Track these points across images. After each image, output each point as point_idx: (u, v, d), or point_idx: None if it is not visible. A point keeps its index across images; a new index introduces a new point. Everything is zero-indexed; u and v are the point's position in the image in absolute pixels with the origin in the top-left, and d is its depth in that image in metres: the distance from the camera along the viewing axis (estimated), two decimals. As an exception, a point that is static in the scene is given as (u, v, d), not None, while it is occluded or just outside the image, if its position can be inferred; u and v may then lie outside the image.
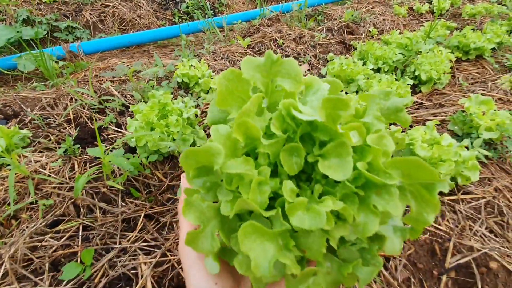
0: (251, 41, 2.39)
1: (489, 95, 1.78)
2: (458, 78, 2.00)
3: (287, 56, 2.23)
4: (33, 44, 2.51)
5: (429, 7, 3.21)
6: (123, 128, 1.48)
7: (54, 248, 0.94)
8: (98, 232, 1.00)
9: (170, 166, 1.32)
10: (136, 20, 3.07)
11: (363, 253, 0.35)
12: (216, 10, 3.52)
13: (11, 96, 1.66)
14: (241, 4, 3.69)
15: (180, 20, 3.26)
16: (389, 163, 0.32)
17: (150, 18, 3.14)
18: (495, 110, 1.36)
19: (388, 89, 0.40)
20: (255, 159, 0.35)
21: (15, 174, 1.15)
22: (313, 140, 0.35)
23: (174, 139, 1.27)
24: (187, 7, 3.28)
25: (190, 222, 0.35)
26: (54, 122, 1.49)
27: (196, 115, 1.39)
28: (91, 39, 2.79)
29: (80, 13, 2.92)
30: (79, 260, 0.90)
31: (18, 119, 1.51)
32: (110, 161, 1.09)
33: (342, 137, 0.32)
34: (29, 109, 1.54)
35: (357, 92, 1.71)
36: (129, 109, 1.55)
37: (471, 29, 2.35)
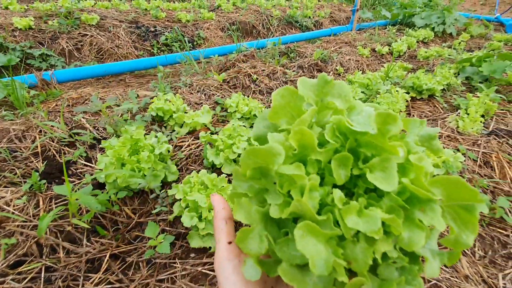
0: (226, 76, 2.51)
1: (439, 132, 1.99)
2: (413, 115, 2.22)
3: (260, 91, 2.37)
4: (4, 72, 2.47)
5: (389, 49, 3.56)
6: (93, 162, 1.48)
7: (11, 293, 0.91)
8: (61, 273, 0.98)
9: (139, 202, 1.33)
10: (114, 49, 3.12)
11: (403, 273, 0.35)
12: (195, 43, 3.67)
13: (-24, 127, 1.62)
14: (219, 38, 3.88)
15: (159, 51, 3.36)
16: (430, 182, 0.33)
17: (128, 48, 3.21)
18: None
19: (422, 119, 0.43)
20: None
21: (-26, 212, 1.11)
22: (357, 156, 0.37)
23: (145, 175, 1.30)
24: (166, 39, 3.40)
25: (231, 234, 0.40)
26: (21, 155, 1.46)
27: (169, 151, 1.43)
28: (66, 67, 2.79)
29: (56, 41, 2.93)
30: (37, 306, 0.88)
31: (-18, 151, 1.46)
32: (77, 199, 1.09)
33: (387, 152, 0.34)
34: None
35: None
36: (100, 143, 1.56)
37: (424, 71, 2.64)
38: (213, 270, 1.07)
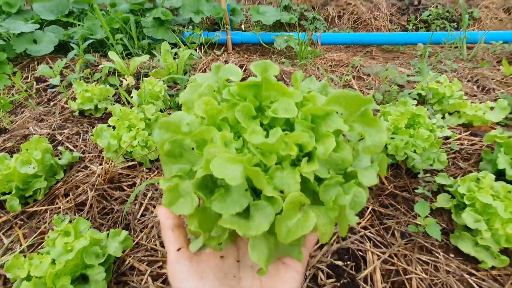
0: (514, 70, 1.96)
1: None
2: None
3: None
4: (281, 28, 3.06)
5: None
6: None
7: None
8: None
9: (392, 173, 1.32)
10: (370, 20, 3.15)
11: (343, 189, 0.38)
12: (460, 23, 3.09)
13: (274, 67, 2.10)
14: (497, 22, 3.06)
15: (414, 28, 3.08)
16: (328, 101, 0.40)
17: (384, 21, 3.14)
18: None
19: (311, 76, 0.51)
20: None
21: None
22: (264, 110, 0.42)
23: (414, 151, 1.25)
24: (429, 15, 3.05)
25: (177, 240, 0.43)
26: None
27: (448, 137, 1.30)
28: (326, 32, 3.10)
29: (325, 7, 3.27)
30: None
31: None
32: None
33: (286, 94, 0.40)
34: (287, 80, 1.91)
35: None
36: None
37: None
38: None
